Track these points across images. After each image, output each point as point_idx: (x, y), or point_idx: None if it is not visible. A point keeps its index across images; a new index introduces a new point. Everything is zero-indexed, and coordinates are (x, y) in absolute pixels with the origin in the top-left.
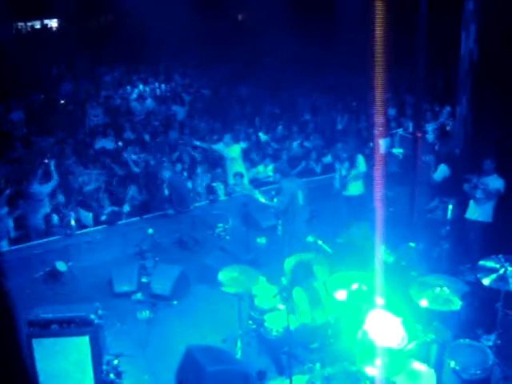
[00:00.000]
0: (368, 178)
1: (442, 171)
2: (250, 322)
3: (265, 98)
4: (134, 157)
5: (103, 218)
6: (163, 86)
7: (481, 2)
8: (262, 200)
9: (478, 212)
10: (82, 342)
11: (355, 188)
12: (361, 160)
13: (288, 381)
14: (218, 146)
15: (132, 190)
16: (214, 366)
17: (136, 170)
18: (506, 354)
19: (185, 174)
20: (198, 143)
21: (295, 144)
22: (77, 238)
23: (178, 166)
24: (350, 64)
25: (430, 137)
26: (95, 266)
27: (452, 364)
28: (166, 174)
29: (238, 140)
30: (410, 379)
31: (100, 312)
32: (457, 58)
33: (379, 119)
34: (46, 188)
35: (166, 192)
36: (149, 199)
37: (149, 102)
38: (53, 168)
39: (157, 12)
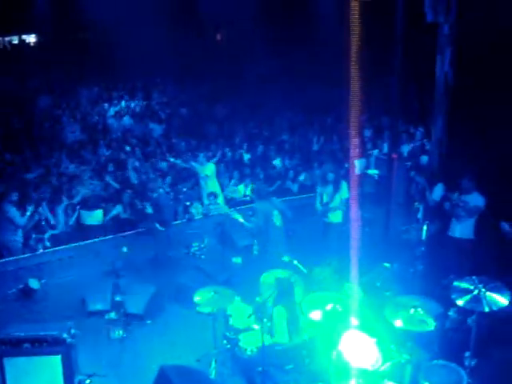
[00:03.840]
0: (346, 202)
1: (439, 190)
2: (225, 341)
3: (243, 116)
4: (136, 163)
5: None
6: (141, 102)
7: (456, 26)
8: (240, 219)
9: (459, 230)
10: (54, 362)
11: (335, 216)
12: (344, 186)
13: None
14: (193, 164)
15: (117, 209)
16: None
17: (116, 186)
18: (480, 374)
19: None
20: (172, 160)
21: (278, 161)
22: (50, 255)
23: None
24: (327, 84)
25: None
26: (69, 283)
27: None
28: (156, 193)
29: (212, 158)
30: None
31: (73, 331)
32: (431, 79)
33: (355, 140)
34: (21, 220)
35: (150, 210)
36: (135, 216)
37: (126, 120)
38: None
39: (135, 29)
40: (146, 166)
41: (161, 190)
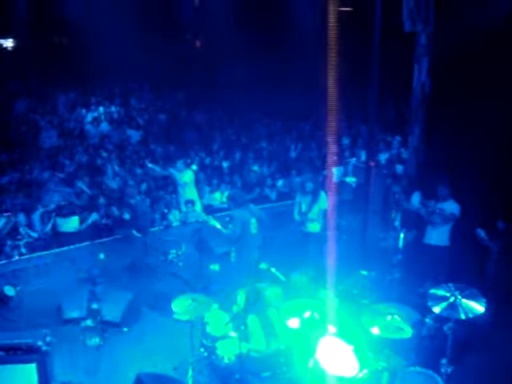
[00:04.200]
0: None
1: (416, 198)
2: (202, 349)
3: (221, 123)
4: (116, 168)
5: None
6: (118, 109)
7: (433, 36)
8: (217, 226)
9: (435, 237)
10: (29, 370)
11: (314, 226)
12: (323, 197)
13: None
14: (171, 171)
15: (93, 217)
16: None
17: (89, 192)
18: (456, 381)
19: (146, 199)
20: (150, 165)
21: (256, 167)
22: (26, 262)
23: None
24: (305, 92)
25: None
26: (44, 291)
27: None
28: (134, 199)
29: (190, 165)
30: None
31: (48, 339)
32: (408, 88)
33: (333, 148)
34: None
35: (127, 216)
36: (113, 223)
37: (103, 126)
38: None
39: (113, 35)
40: (123, 172)
41: (138, 197)
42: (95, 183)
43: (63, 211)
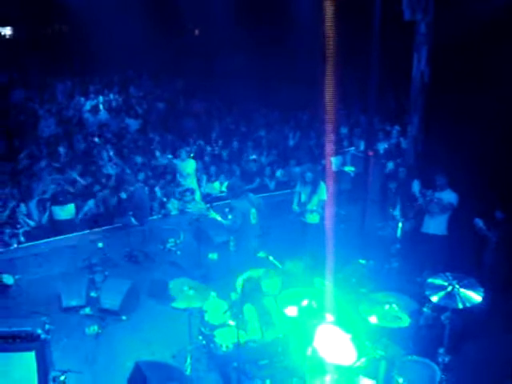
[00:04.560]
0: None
1: (416, 186)
2: (200, 337)
3: (220, 112)
4: (111, 154)
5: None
6: (117, 97)
7: (432, 25)
8: (217, 217)
9: (433, 226)
10: (28, 358)
11: (313, 217)
12: (323, 188)
13: None
14: (175, 161)
15: (89, 204)
16: (163, 383)
17: (83, 182)
18: (453, 369)
19: (145, 188)
20: (158, 154)
21: (252, 157)
22: (24, 250)
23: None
24: (304, 82)
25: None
26: (43, 279)
27: (400, 380)
28: (133, 187)
29: (194, 155)
30: None
31: (47, 327)
32: (408, 78)
33: (331, 137)
34: None
35: (124, 195)
36: (107, 211)
37: (102, 114)
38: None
39: (112, 23)
40: (118, 159)
41: (137, 185)
42: (90, 171)
43: (58, 199)
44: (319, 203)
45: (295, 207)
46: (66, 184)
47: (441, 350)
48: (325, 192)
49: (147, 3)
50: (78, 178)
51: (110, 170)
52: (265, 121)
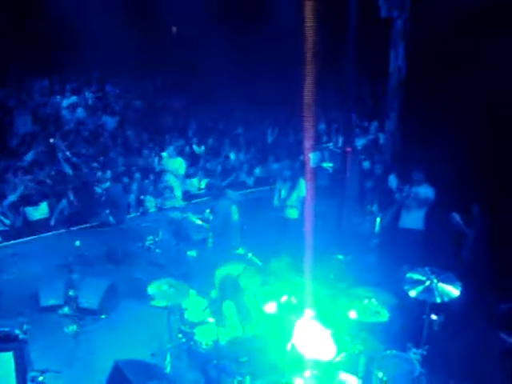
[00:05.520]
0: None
1: (393, 181)
2: (180, 335)
3: (197, 109)
4: (67, 154)
5: None
6: (93, 95)
7: (409, 22)
8: (197, 221)
9: (409, 221)
10: (6, 358)
11: (292, 212)
12: (302, 184)
13: None
14: (163, 160)
15: (63, 203)
16: (142, 382)
17: (69, 171)
18: (432, 364)
19: (119, 185)
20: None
21: (232, 155)
22: (1, 250)
23: (125, 179)
24: (283, 77)
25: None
26: (21, 279)
27: (380, 375)
28: (105, 185)
29: (181, 153)
30: None
31: (25, 327)
32: (385, 74)
33: (309, 133)
34: None
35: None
36: (82, 209)
37: (79, 112)
38: None
39: (89, 20)
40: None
41: (108, 183)
42: (58, 171)
43: (31, 199)
44: (298, 199)
45: (276, 202)
46: (35, 184)
47: (419, 345)
48: (304, 188)
49: (124, 0)
50: (44, 178)
51: (67, 169)
52: (243, 118)
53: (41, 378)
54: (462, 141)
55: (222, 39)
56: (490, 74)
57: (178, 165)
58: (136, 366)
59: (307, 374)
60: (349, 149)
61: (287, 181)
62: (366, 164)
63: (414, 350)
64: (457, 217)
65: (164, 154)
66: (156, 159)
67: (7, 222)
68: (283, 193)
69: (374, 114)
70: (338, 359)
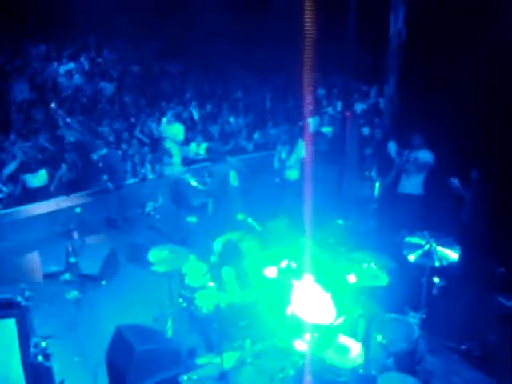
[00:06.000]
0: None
1: (393, 147)
2: (181, 300)
3: (196, 75)
4: (68, 120)
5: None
6: (90, 61)
7: None
8: (194, 183)
9: (409, 185)
10: (9, 325)
11: (292, 173)
12: (301, 145)
13: (219, 358)
14: (161, 126)
15: (62, 170)
16: (143, 346)
17: (70, 138)
18: (431, 327)
19: (119, 152)
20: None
21: (232, 119)
22: (1, 218)
23: (123, 146)
24: (281, 42)
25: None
26: (21, 246)
27: (379, 338)
28: (103, 151)
29: (180, 118)
30: (339, 353)
31: (27, 293)
32: (385, 37)
33: (308, 98)
34: None
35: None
36: (80, 176)
37: (77, 78)
38: None
39: None
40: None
41: (105, 149)
42: (58, 138)
43: (30, 167)
44: (298, 160)
45: (275, 165)
46: (34, 151)
47: (418, 308)
48: (303, 149)
49: None
50: (47, 145)
51: (69, 136)
52: (241, 84)
53: (43, 344)
54: (462, 105)
55: (221, 4)
56: (492, 38)
57: (176, 131)
58: (137, 331)
59: (307, 337)
60: (348, 113)
61: (286, 144)
62: (366, 130)
63: (412, 313)
64: (455, 181)
65: (163, 120)
66: (154, 125)
67: (5, 189)
68: (283, 155)
69: (373, 79)
70: (337, 322)
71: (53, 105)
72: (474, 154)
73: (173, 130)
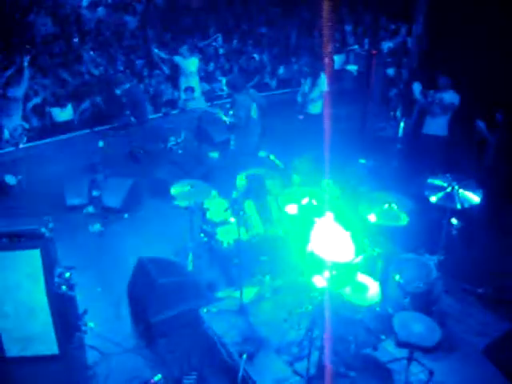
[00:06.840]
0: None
1: (418, 87)
2: (202, 234)
3: (219, 9)
4: (92, 54)
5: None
6: None
7: None
8: (218, 113)
9: (434, 126)
10: (33, 255)
11: (314, 107)
12: (323, 79)
13: (238, 292)
14: (177, 58)
15: (85, 104)
16: (164, 278)
17: (95, 72)
18: (448, 269)
19: (141, 86)
20: (156, 51)
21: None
22: (26, 151)
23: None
24: None
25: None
26: (46, 179)
27: (396, 277)
28: (126, 85)
29: (194, 52)
30: (357, 291)
31: (51, 225)
32: None
33: (334, 35)
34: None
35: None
36: (105, 110)
37: (100, 11)
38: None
39: None
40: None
41: (128, 84)
42: (80, 72)
43: (56, 100)
44: (320, 94)
45: (299, 98)
46: (55, 87)
47: (436, 249)
48: (325, 83)
49: None
50: (68, 78)
51: (93, 70)
52: (266, 18)
53: (67, 275)
54: (490, 47)
55: None
56: None
57: (193, 65)
58: (159, 263)
59: (326, 274)
60: (374, 52)
61: (308, 77)
62: (391, 71)
63: (426, 255)
64: (481, 124)
65: (183, 52)
66: (176, 59)
67: (27, 126)
68: (306, 88)
69: (402, 17)
70: (356, 261)
71: (76, 39)
72: (499, 97)
73: (195, 64)
